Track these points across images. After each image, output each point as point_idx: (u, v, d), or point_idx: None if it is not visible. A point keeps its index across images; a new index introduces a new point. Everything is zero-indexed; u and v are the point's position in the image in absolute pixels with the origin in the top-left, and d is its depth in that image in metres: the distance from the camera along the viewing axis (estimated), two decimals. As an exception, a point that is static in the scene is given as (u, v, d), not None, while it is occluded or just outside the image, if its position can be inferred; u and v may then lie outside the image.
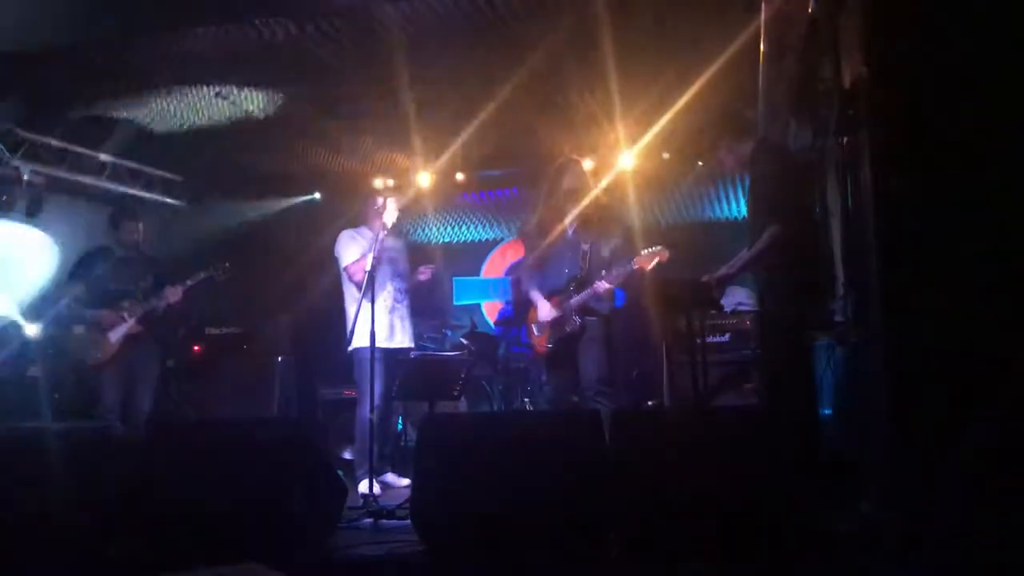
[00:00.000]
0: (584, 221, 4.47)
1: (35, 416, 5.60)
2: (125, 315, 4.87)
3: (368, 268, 4.49)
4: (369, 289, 4.48)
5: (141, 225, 5.12)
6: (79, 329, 4.82)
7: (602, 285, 4.28)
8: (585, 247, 4.42)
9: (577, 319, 4.36)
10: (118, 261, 5.02)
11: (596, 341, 4.36)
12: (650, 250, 4.23)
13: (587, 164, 6.47)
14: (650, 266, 4.19)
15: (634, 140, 6.52)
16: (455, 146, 6.52)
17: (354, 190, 7.17)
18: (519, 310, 6.28)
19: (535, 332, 4.62)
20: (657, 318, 5.30)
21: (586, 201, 4.47)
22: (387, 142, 6.73)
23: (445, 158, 7.01)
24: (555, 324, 4.47)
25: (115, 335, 4.83)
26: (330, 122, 6.20)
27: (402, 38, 4.66)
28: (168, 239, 5.32)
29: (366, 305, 4.48)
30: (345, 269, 5.01)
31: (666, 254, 4.19)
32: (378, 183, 7.45)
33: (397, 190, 7.24)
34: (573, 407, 4.43)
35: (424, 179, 7.31)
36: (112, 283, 4.94)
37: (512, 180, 8.02)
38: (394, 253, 5.19)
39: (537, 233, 4.64)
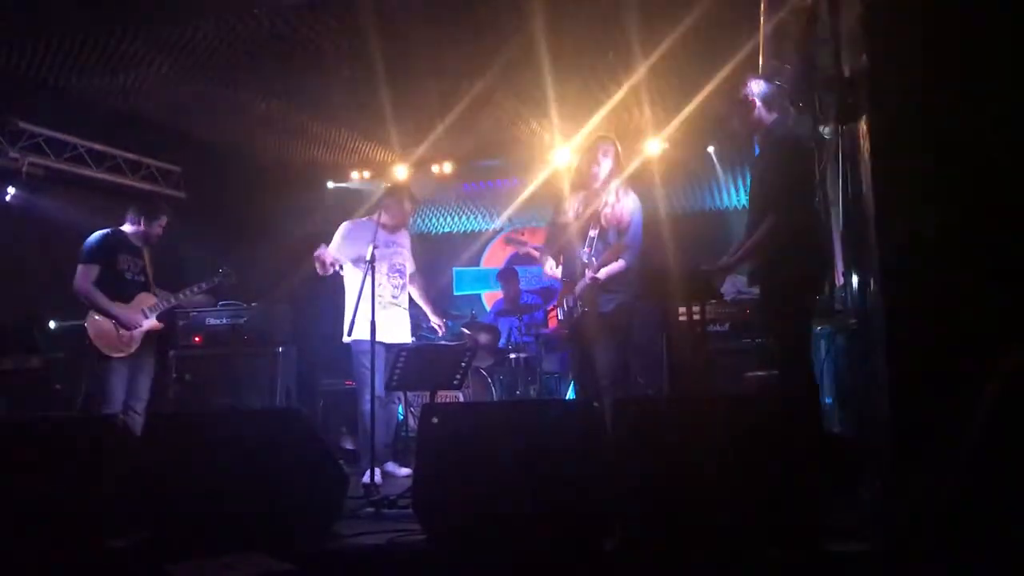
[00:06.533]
0: (593, 206, 4.35)
1: (39, 406, 5.62)
2: (148, 312, 4.92)
3: (368, 258, 4.49)
4: (368, 281, 4.48)
5: (165, 219, 5.17)
6: (103, 322, 4.78)
7: (585, 280, 4.19)
8: (592, 233, 4.27)
9: (578, 308, 4.28)
10: (133, 250, 5.03)
11: (604, 332, 4.26)
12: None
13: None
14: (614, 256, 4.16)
15: (641, 129, 6.52)
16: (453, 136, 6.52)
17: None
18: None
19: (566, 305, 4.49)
20: (658, 307, 5.29)
21: (608, 184, 4.35)
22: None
23: (446, 148, 7.01)
24: (567, 310, 4.41)
25: (139, 332, 4.86)
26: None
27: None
28: (168, 231, 5.29)
29: (365, 297, 4.48)
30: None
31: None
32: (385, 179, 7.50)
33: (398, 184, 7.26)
34: (586, 395, 4.37)
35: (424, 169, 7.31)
36: (127, 272, 4.95)
37: (512, 170, 8.01)
38: (393, 248, 5.19)
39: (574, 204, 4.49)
